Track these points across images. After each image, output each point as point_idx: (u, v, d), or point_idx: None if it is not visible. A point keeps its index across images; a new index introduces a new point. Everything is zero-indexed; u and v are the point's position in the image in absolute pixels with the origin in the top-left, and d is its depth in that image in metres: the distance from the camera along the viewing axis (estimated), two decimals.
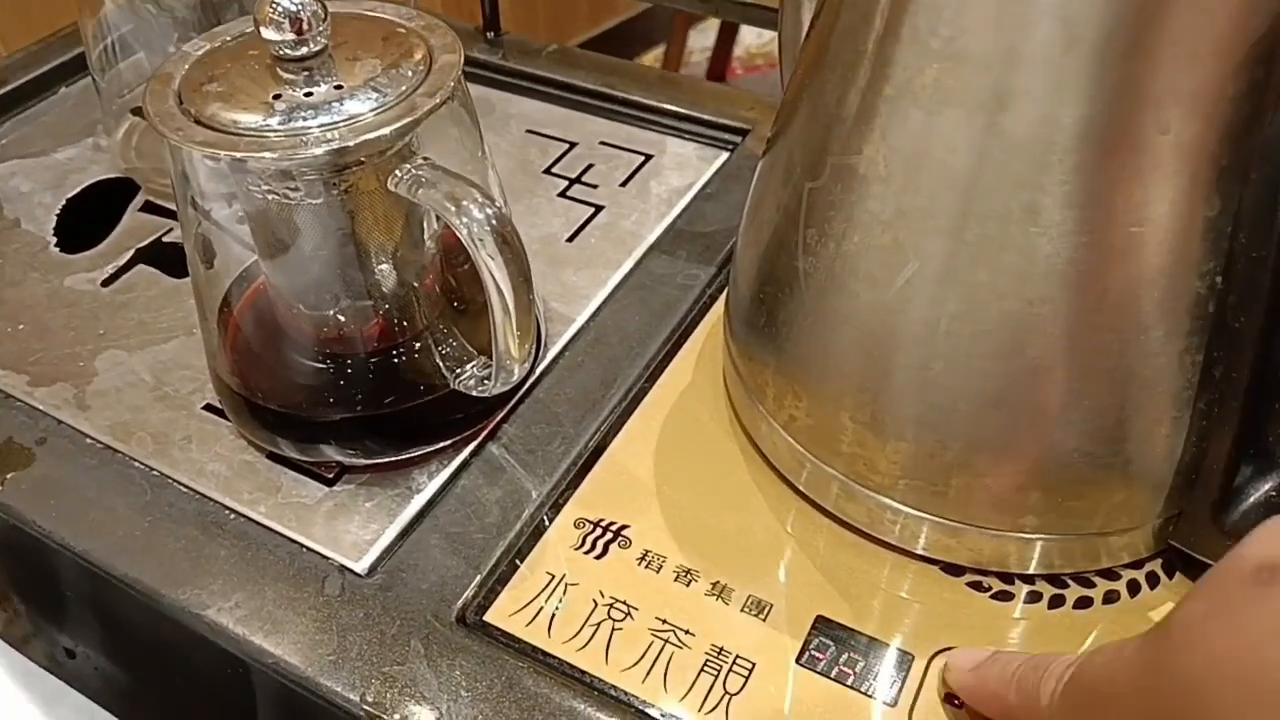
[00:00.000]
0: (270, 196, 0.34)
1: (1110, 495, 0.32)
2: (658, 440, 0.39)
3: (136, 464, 0.39)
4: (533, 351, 0.35)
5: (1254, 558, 0.21)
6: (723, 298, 0.44)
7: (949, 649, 0.33)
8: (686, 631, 0.33)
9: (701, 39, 1.66)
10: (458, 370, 0.37)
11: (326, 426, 0.37)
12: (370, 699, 0.32)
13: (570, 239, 0.49)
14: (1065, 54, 0.26)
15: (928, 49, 0.27)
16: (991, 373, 0.30)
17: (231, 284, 0.39)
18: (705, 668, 0.32)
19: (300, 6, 0.32)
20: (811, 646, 0.33)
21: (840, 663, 0.32)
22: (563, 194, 0.52)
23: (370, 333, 0.38)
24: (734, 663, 0.33)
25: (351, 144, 0.31)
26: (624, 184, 0.52)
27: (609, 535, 0.36)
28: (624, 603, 0.34)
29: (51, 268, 0.49)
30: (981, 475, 0.32)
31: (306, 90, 0.32)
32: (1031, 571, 0.34)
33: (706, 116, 0.55)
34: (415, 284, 0.37)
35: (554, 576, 0.35)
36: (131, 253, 0.49)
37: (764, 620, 0.34)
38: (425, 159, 0.33)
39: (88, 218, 0.52)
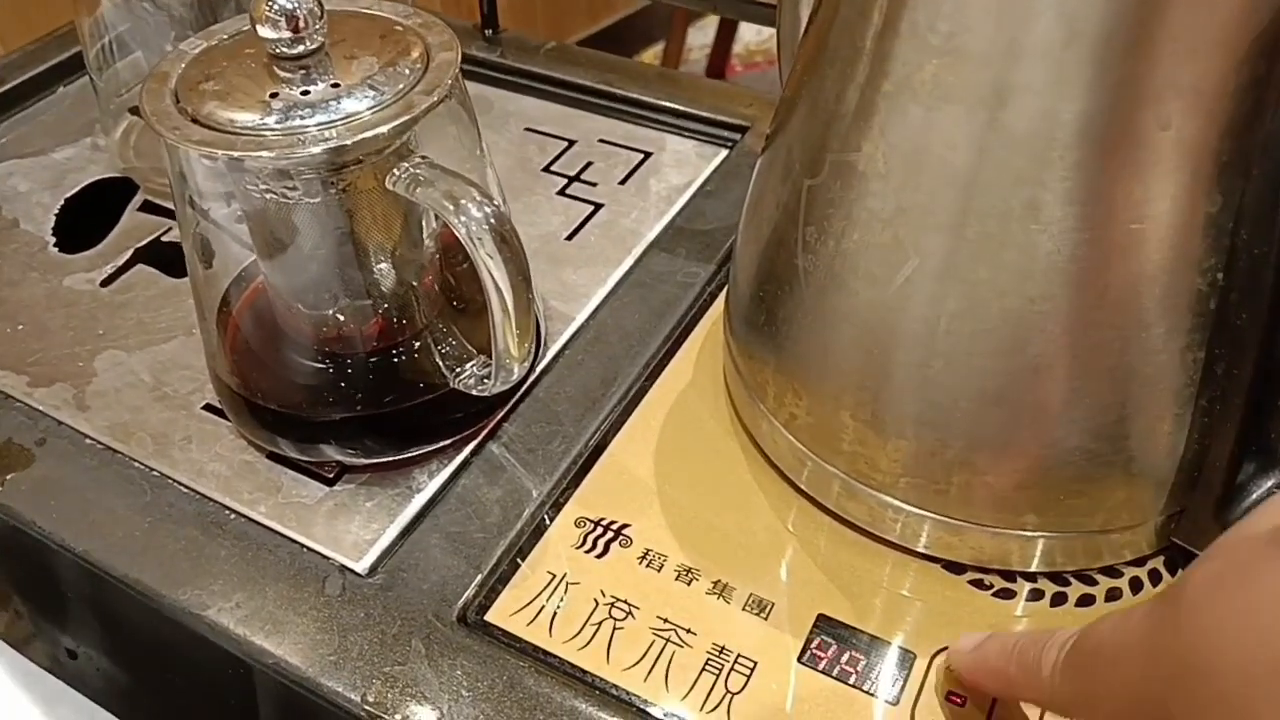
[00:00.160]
0: (268, 195, 0.34)
1: (1112, 493, 0.31)
2: (658, 439, 0.39)
3: (136, 464, 0.39)
4: (532, 350, 0.35)
5: (1269, 523, 0.21)
6: (723, 296, 0.44)
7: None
8: (688, 630, 0.33)
9: (700, 36, 1.66)
10: (457, 369, 0.37)
11: (326, 426, 0.37)
12: (371, 699, 0.32)
13: (569, 237, 0.49)
14: (1066, 49, 0.26)
15: (927, 44, 0.27)
16: (992, 370, 0.30)
17: (230, 284, 0.39)
18: (707, 667, 0.32)
19: (297, 4, 0.31)
20: (813, 645, 0.33)
21: (842, 661, 0.32)
22: (561, 192, 0.52)
23: (369, 332, 0.37)
24: (735, 662, 0.32)
25: (349, 143, 0.31)
26: (623, 182, 0.52)
27: (610, 534, 0.36)
28: (625, 602, 0.34)
29: (50, 268, 0.48)
30: (983, 473, 0.32)
31: (303, 89, 0.32)
32: (1033, 569, 0.34)
33: (705, 114, 0.55)
34: (414, 283, 0.37)
35: (555, 576, 0.35)
36: (130, 252, 0.49)
37: (765, 619, 0.34)
38: (423, 157, 0.33)
39: (86, 217, 0.52)
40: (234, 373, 0.39)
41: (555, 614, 0.34)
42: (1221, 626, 0.20)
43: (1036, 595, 0.34)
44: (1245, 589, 0.20)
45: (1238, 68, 0.26)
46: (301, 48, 0.32)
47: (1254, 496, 0.31)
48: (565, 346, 0.43)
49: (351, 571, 0.35)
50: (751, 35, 1.75)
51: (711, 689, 0.32)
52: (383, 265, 0.36)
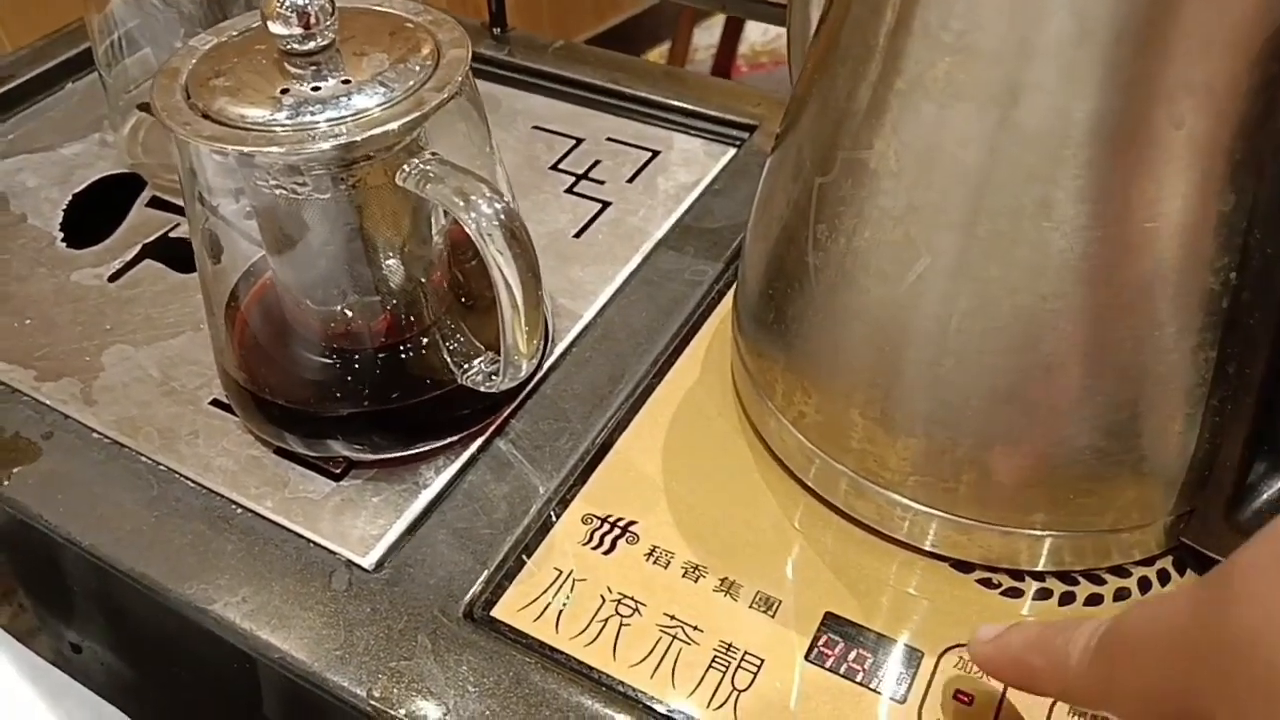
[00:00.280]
0: (278, 191, 0.34)
1: (1122, 492, 0.31)
2: (665, 436, 0.39)
3: (143, 459, 0.39)
4: (541, 347, 0.35)
5: None
6: (731, 293, 0.44)
7: (958, 646, 0.33)
8: (694, 628, 0.33)
9: (706, 36, 1.66)
10: (465, 366, 0.37)
11: (334, 422, 0.37)
12: (377, 694, 0.32)
13: (577, 235, 0.49)
14: (1078, 47, 0.26)
15: (939, 43, 0.27)
16: (1003, 369, 0.30)
17: (239, 279, 0.39)
18: (713, 664, 0.32)
19: (308, 1, 0.31)
20: (820, 643, 0.33)
21: (849, 659, 0.32)
22: (570, 190, 0.52)
23: (378, 328, 0.37)
24: (742, 659, 0.32)
25: (359, 139, 0.31)
26: (631, 180, 0.52)
27: (617, 531, 0.36)
28: (632, 599, 0.34)
29: (58, 263, 0.49)
30: (992, 472, 0.31)
31: (314, 85, 0.32)
32: (1041, 569, 0.34)
33: (713, 112, 0.55)
34: (423, 279, 0.37)
35: (561, 572, 0.35)
36: (138, 248, 0.49)
37: (772, 617, 0.33)
38: (433, 154, 0.33)
39: (94, 213, 0.52)
40: (241, 368, 0.39)
41: (562, 610, 0.34)
42: (1272, 617, 0.19)
43: (1044, 594, 0.34)
44: None
45: (1250, 68, 0.25)
46: (312, 44, 0.32)
47: (1265, 497, 0.31)
48: (573, 344, 0.43)
49: (358, 567, 0.35)
50: (757, 36, 1.75)
51: (718, 686, 0.32)
52: (392, 261, 0.36)
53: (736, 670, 0.32)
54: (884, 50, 0.29)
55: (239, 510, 0.37)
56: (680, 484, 0.38)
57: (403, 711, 0.32)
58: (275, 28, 0.32)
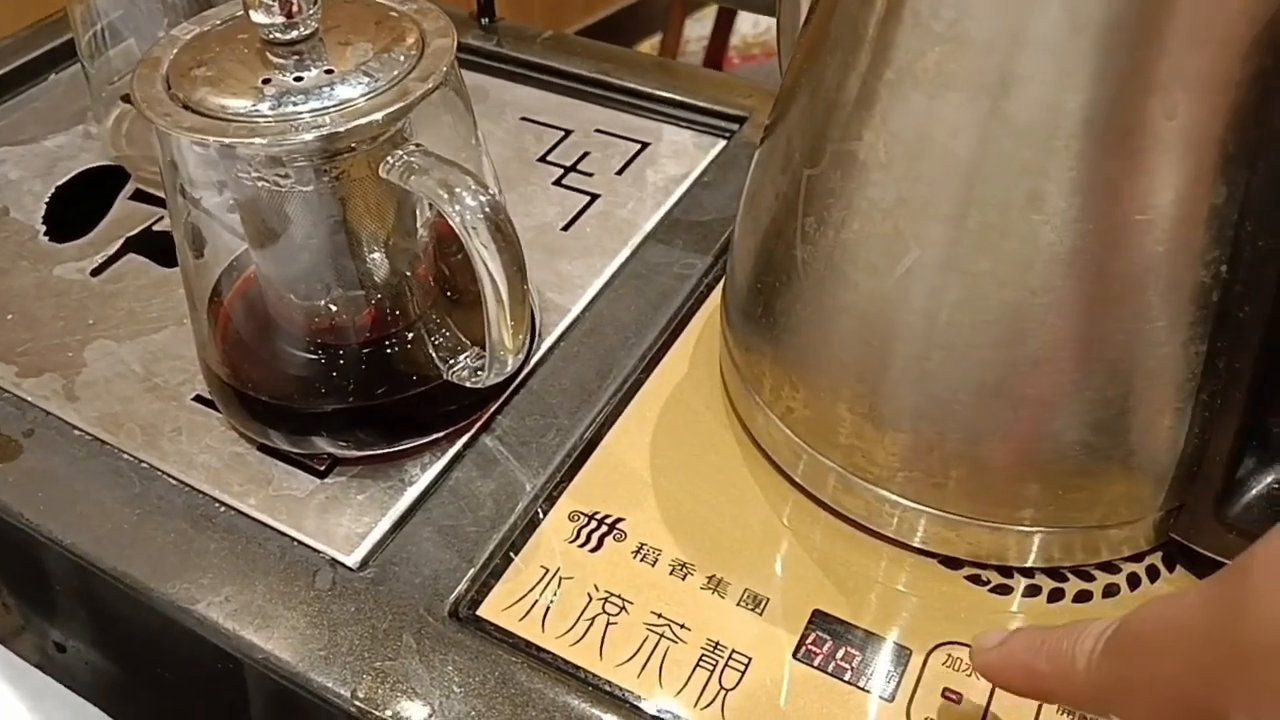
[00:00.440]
0: (260, 183, 0.33)
1: (1111, 487, 0.31)
2: (653, 432, 0.39)
3: (125, 456, 0.39)
4: (527, 342, 0.35)
5: None
6: (719, 287, 0.44)
7: (947, 643, 0.32)
8: (682, 626, 0.33)
9: (698, 28, 1.65)
10: (451, 361, 0.37)
11: (318, 418, 0.37)
12: (362, 694, 0.32)
13: (565, 228, 0.48)
14: (1071, 37, 0.25)
15: (930, 32, 0.27)
16: (992, 363, 0.29)
17: (221, 273, 0.39)
18: (701, 662, 0.32)
19: None
20: (808, 641, 0.32)
21: (837, 657, 0.32)
22: (558, 182, 0.51)
23: (362, 323, 0.37)
24: (730, 657, 0.32)
25: (342, 129, 0.30)
26: (620, 172, 0.52)
27: (604, 528, 0.36)
28: (619, 597, 0.34)
29: (40, 256, 0.48)
30: (981, 467, 0.31)
31: (297, 75, 0.32)
32: (1030, 565, 0.34)
33: (703, 104, 0.55)
34: (408, 273, 0.37)
35: (548, 570, 0.35)
36: (121, 241, 0.49)
37: (760, 614, 0.33)
38: (418, 145, 0.32)
39: (77, 206, 0.51)
40: (225, 363, 0.38)
41: (548, 609, 0.34)
42: None
43: (1033, 591, 0.34)
44: None
45: (1243, 58, 0.25)
46: (295, 33, 0.32)
47: (1254, 492, 0.31)
48: (560, 338, 0.43)
49: (342, 565, 0.35)
50: (748, 28, 1.74)
51: (706, 685, 0.32)
52: (376, 255, 0.36)
53: (724, 669, 0.32)
54: (874, 40, 0.28)
55: (222, 508, 0.37)
56: (668, 480, 0.37)
57: (388, 712, 0.31)
58: (257, 16, 0.31)
